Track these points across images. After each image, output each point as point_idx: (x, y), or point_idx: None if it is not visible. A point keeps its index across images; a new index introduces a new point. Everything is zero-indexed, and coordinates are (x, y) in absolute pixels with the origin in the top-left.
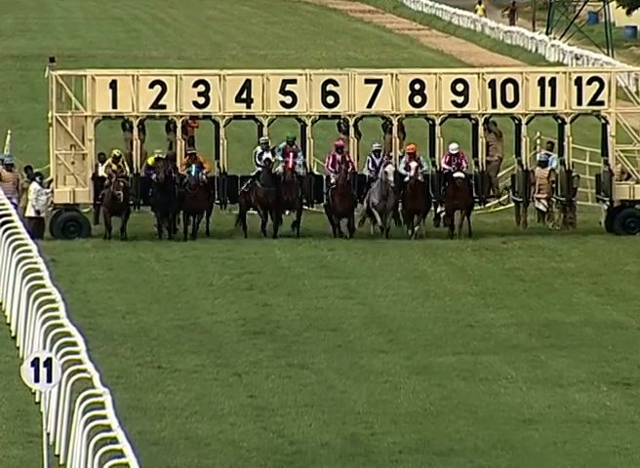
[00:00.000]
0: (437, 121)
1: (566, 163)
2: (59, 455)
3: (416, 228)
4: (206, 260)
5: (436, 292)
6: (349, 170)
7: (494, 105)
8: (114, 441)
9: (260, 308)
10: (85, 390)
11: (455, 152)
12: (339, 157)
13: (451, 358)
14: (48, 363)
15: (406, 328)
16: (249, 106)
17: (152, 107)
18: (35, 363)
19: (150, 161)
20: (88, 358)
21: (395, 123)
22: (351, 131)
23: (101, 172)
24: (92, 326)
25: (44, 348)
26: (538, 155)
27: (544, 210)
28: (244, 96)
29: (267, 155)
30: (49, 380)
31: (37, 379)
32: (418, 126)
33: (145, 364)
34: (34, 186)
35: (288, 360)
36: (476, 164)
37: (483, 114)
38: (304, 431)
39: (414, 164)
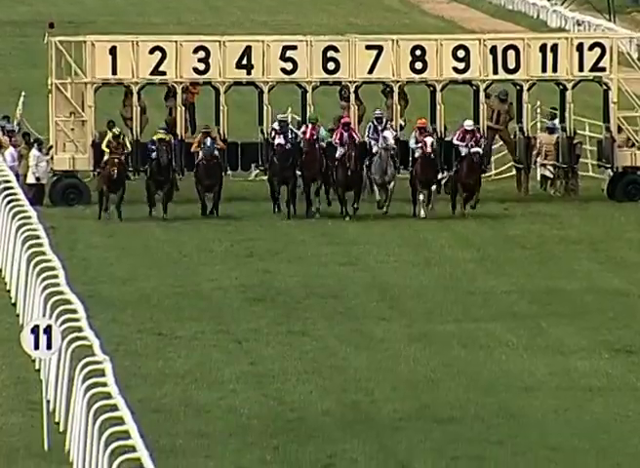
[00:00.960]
0: (438, 87)
1: (568, 129)
2: (58, 423)
3: (429, 206)
4: (207, 227)
5: (437, 260)
6: (354, 153)
7: (495, 72)
8: (114, 408)
9: (260, 275)
10: (85, 357)
11: (470, 128)
12: (345, 135)
13: (451, 325)
14: (48, 330)
15: (407, 295)
16: (249, 73)
17: (152, 73)
18: (35, 330)
19: (156, 137)
20: (88, 325)
21: (396, 89)
22: (352, 98)
23: (104, 146)
24: (92, 293)
25: (44, 315)
26: (547, 122)
27: (551, 176)
28: (244, 62)
29: (280, 140)
30: (49, 347)
31: (37, 347)
32: (418, 92)
33: (146, 331)
34: (34, 153)
35: (288, 327)
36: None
37: (484, 80)
38: (305, 398)
39: (429, 139)
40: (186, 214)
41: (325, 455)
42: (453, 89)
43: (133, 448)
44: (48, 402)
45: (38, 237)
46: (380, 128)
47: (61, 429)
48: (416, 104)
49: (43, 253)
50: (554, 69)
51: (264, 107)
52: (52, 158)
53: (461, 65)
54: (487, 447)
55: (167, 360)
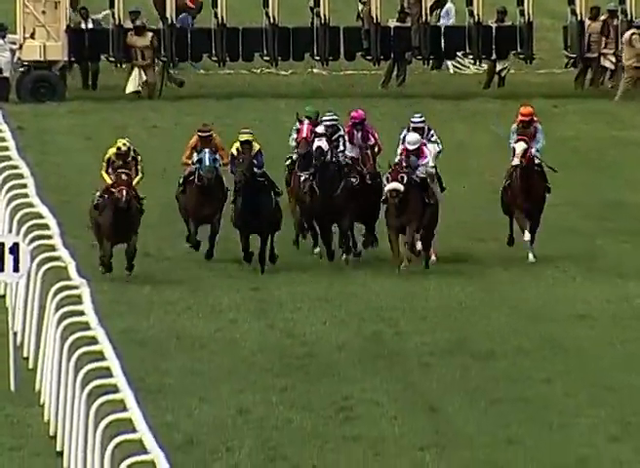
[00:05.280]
0: None
1: (628, 13)
2: (27, 358)
3: None
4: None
5: (474, 166)
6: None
7: None
8: (93, 341)
9: None
10: (58, 281)
11: (412, 146)
12: (358, 136)
13: (491, 245)
14: (15, 249)
15: (440, 208)
16: None
17: None
18: (0, 249)
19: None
20: (62, 243)
21: None
22: None
23: (103, 173)
24: (67, 205)
25: (10, 231)
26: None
27: (612, 67)
28: None
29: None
30: (15, 270)
31: (2, 268)
32: None
33: None
34: None
35: (298, 245)
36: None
37: None
38: (317, 330)
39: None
40: (177, 112)
41: (340, 397)
42: None
43: (115, 388)
44: (15, 334)
45: (3, 139)
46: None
47: (30, 366)
48: None
49: (9, 158)
50: None
51: None
52: (19, 46)
53: None
54: (532, 386)
55: (155, 284)
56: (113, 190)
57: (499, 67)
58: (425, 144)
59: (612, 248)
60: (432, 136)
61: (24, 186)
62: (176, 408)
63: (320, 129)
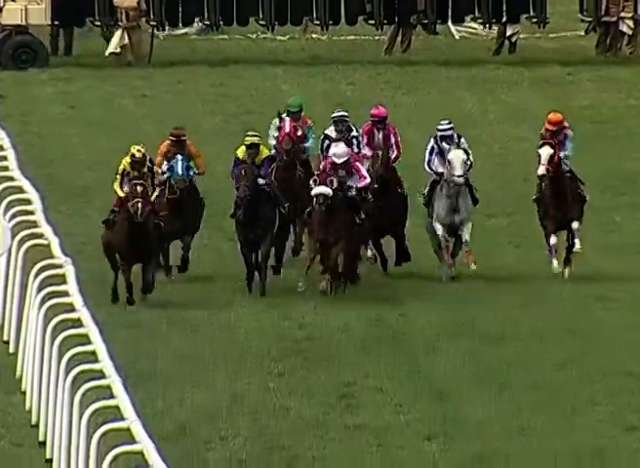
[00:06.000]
0: None
1: None
2: (7, 342)
3: None
4: (193, 96)
5: (483, 138)
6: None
7: None
8: (78, 323)
9: None
10: (41, 260)
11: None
12: (379, 136)
13: (502, 220)
14: None
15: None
16: None
17: None
18: None
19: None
20: (45, 219)
21: None
22: None
23: (116, 186)
24: (50, 179)
25: None
26: None
27: (629, 32)
28: None
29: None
30: None
31: None
32: None
33: None
34: None
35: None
36: None
37: None
38: (317, 311)
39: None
40: (169, 79)
41: (342, 383)
42: None
43: (101, 374)
44: None
45: None
46: (447, 148)
47: (11, 350)
48: None
49: None
50: None
51: None
52: None
53: None
54: (545, 371)
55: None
56: (127, 203)
57: (509, 32)
58: (358, 160)
59: (630, 223)
60: (462, 143)
61: (4, 158)
62: (166, 394)
63: (330, 130)
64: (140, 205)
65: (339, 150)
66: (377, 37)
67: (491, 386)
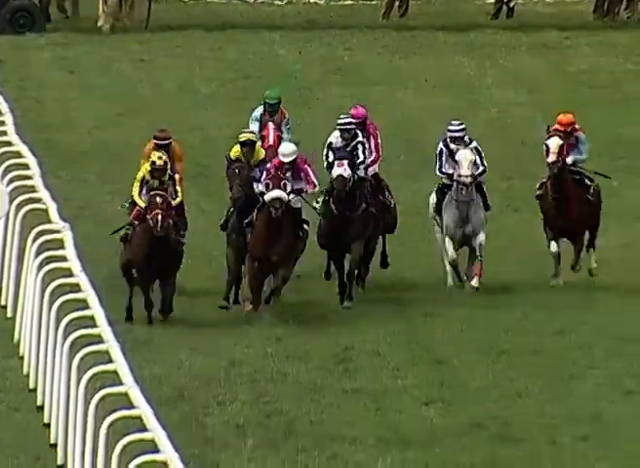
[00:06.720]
0: None
1: None
2: (5, 307)
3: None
4: (191, 60)
5: (482, 102)
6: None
7: None
8: (76, 288)
9: None
10: (39, 225)
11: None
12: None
13: (500, 184)
14: None
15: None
16: None
17: None
18: None
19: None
20: (42, 184)
21: None
22: None
23: (135, 195)
24: (48, 144)
25: None
26: None
27: None
28: None
29: (340, 170)
30: None
31: None
32: None
33: (116, 192)
34: None
35: None
36: None
37: None
38: (314, 275)
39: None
40: (165, 44)
41: (340, 348)
42: None
43: (99, 339)
44: None
45: None
46: (455, 149)
47: (9, 314)
48: None
49: None
50: None
51: None
52: None
53: None
54: (544, 337)
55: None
56: (146, 216)
57: None
58: (306, 161)
59: (628, 189)
60: (475, 147)
61: (2, 123)
62: (164, 359)
63: (335, 137)
64: (159, 217)
65: (285, 149)
66: (374, 1)
67: (489, 352)
